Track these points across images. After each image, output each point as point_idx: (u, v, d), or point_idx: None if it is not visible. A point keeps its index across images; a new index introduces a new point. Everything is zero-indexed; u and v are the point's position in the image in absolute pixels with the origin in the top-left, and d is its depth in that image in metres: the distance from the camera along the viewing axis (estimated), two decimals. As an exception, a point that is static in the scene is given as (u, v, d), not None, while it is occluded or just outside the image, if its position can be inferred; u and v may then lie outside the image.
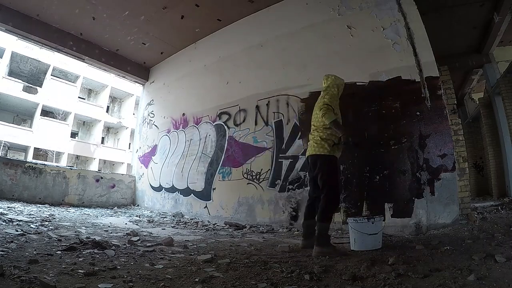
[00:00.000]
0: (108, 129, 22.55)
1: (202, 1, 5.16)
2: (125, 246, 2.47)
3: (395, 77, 3.64)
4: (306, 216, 2.86)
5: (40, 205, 5.08)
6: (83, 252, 2.07)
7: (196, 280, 1.64)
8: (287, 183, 4.28)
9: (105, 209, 5.89)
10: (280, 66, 4.81)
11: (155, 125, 7.07)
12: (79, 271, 1.62)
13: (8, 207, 4.20)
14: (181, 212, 5.68)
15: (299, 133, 4.35)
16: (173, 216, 5.46)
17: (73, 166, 13.87)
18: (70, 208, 5.38)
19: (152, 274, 1.71)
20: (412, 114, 3.44)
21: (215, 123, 5.58)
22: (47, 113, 18.04)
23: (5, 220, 3.08)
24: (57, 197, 5.79)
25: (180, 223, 4.63)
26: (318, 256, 2.33)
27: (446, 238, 2.61)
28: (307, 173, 2.92)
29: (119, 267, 1.80)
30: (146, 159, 7.11)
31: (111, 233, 3.14)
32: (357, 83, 3.89)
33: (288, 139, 4.46)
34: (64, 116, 18.65)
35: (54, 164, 11.98)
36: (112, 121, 21.63)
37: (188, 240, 3.06)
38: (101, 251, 2.16)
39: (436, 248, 2.33)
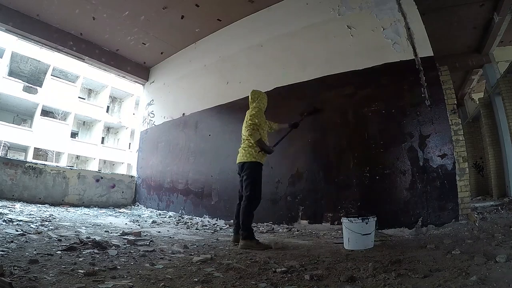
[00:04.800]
0: (108, 129, 22.57)
1: (202, 1, 5.16)
2: (125, 246, 2.47)
3: (395, 77, 3.65)
4: (236, 214, 3.13)
5: (40, 205, 5.08)
6: (83, 252, 2.07)
7: (196, 280, 1.64)
8: (287, 183, 4.28)
9: (105, 209, 5.89)
10: (280, 66, 4.81)
11: (155, 125, 7.07)
12: (79, 271, 1.62)
13: (8, 207, 4.20)
14: (181, 212, 5.68)
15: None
16: (173, 216, 5.47)
17: (73, 166, 13.87)
18: (70, 208, 5.37)
19: (152, 274, 1.71)
20: (412, 114, 3.44)
21: (215, 123, 5.58)
22: (47, 113, 18.05)
23: (5, 220, 3.08)
24: (57, 197, 5.79)
25: (180, 223, 4.63)
26: (243, 249, 2.65)
27: (446, 238, 2.61)
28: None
29: (119, 267, 1.80)
30: (146, 159, 7.11)
31: (111, 233, 3.14)
32: (357, 83, 3.90)
33: (287, 138, 4.45)
34: (64, 116, 18.66)
35: (54, 164, 11.98)
36: (112, 121, 21.65)
37: (188, 240, 3.06)
38: (102, 251, 2.16)
39: (436, 248, 2.33)
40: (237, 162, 3.22)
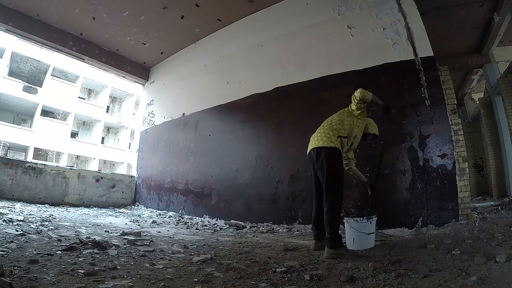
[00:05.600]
0: (108, 129, 22.56)
1: (202, 1, 5.16)
2: (125, 246, 2.47)
3: (395, 77, 3.65)
4: (314, 217, 2.68)
5: (40, 205, 5.08)
6: (83, 252, 2.07)
7: (196, 280, 1.64)
8: (287, 183, 4.28)
9: (105, 209, 5.90)
10: (280, 66, 4.81)
11: (155, 125, 7.07)
12: (79, 271, 1.62)
13: (8, 207, 4.21)
14: (181, 212, 5.69)
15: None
16: (173, 216, 5.47)
17: (73, 166, 13.87)
18: (70, 208, 5.37)
19: (152, 274, 1.71)
20: (412, 114, 3.44)
21: (215, 123, 5.58)
22: (47, 113, 18.05)
23: (5, 220, 3.08)
24: (57, 197, 5.79)
25: (180, 223, 4.63)
26: (330, 258, 2.20)
27: (446, 238, 2.61)
28: (313, 169, 2.66)
29: (119, 267, 1.79)
30: (146, 159, 7.11)
31: (111, 233, 3.14)
32: (357, 83, 3.90)
33: (289, 138, 4.46)
34: (64, 116, 18.65)
35: (54, 164, 11.98)
36: (112, 121, 21.64)
37: (188, 240, 3.06)
38: (102, 251, 2.16)
39: (436, 248, 2.33)
40: (312, 148, 2.59)
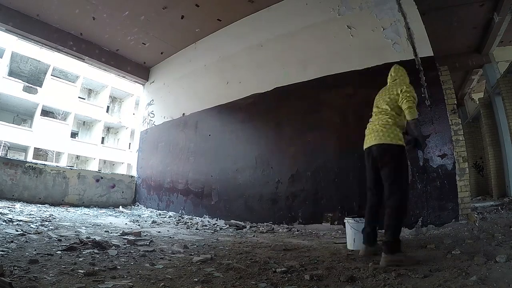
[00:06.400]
0: (108, 129, 22.56)
1: (202, 1, 5.16)
2: (125, 246, 2.47)
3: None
4: (368, 218, 2.37)
5: (40, 205, 5.08)
6: (83, 252, 2.07)
7: (196, 280, 1.64)
8: (287, 183, 4.28)
9: (105, 209, 5.90)
10: (280, 66, 4.81)
11: (155, 125, 7.08)
12: (79, 271, 1.62)
13: (8, 207, 4.20)
14: (181, 212, 5.69)
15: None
16: (173, 216, 5.47)
17: (73, 166, 13.87)
18: (70, 208, 5.37)
19: (152, 274, 1.71)
20: (412, 114, 3.44)
21: (215, 123, 5.58)
22: (47, 113, 18.05)
23: (5, 220, 3.08)
24: (57, 197, 5.79)
25: (180, 223, 4.63)
26: (389, 265, 1.89)
27: (446, 238, 2.61)
28: (369, 166, 2.38)
29: (119, 267, 1.79)
30: (146, 159, 7.11)
31: (111, 233, 3.14)
32: (357, 83, 3.90)
33: (289, 138, 4.46)
34: (64, 116, 18.65)
35: (54, 164, 11.98)
36: (112, 121, 21.64)
37: (188, 240, 3.06)
38: (102, 251, 2.16)
39: (436, 248, 2.33)
40: (373, 143, 2.29)
